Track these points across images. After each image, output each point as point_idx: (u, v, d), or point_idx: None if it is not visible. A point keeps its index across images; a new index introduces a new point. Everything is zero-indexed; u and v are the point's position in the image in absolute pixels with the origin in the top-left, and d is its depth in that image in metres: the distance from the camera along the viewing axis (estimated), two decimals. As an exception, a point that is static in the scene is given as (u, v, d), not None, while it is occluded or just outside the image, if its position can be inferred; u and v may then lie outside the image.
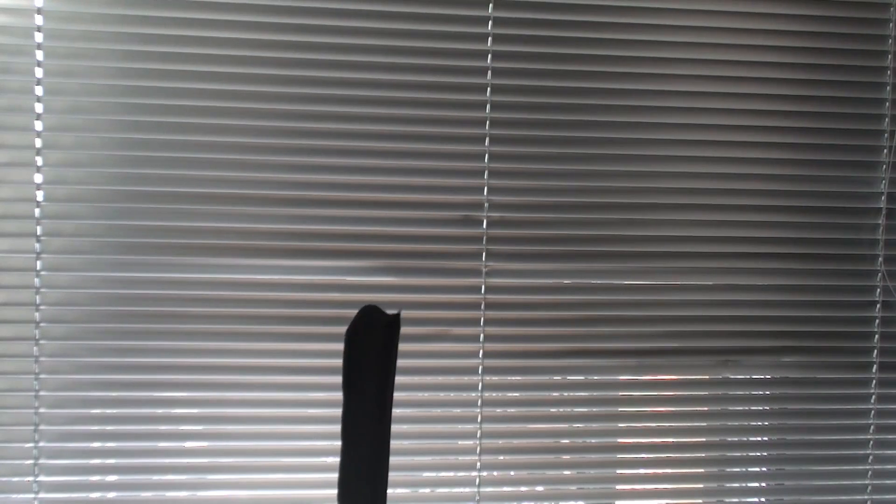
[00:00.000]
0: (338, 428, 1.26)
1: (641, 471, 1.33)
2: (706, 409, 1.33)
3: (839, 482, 1.36)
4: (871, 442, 1.35)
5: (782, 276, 1.33)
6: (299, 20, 1.22)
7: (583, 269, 1.30)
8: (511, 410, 1.30)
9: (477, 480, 1.30)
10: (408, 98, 1.25)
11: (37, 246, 1.21)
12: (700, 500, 1.34)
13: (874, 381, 1.35)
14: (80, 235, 1.21)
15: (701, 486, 1.34)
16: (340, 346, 1.26)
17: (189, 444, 1.25)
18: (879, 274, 1.34)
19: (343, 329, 1.25)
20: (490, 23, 1.26)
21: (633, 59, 1.28)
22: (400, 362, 1.03)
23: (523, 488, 1.31)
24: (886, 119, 1.32)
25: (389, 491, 0.91)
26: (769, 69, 1.30)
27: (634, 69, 1.28)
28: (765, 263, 1.32)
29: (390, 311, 0.78)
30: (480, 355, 1.29)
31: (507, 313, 1.29)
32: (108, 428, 1.23)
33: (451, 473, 1.30)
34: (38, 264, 1.21)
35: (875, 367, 1.35)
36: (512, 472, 1.31)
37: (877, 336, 1.35)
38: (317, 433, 1.27)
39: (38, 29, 1.19)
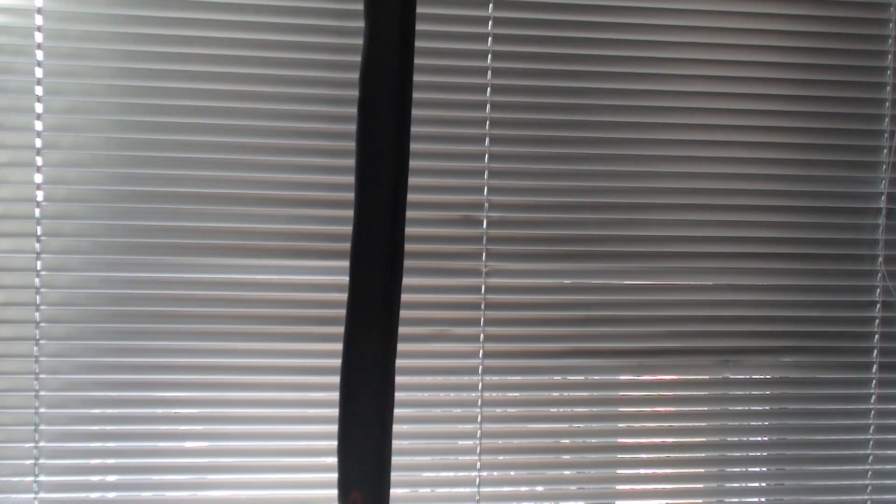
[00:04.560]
0: (336, 429, 1.27)
1: (641, 471, 1.33)
2: (706, 409, 1.33)
3: (839, 482, 1.36)
4: (871, 442, 1.35)
5: (782, 276, 1.33)
6: (299, 20, 1.22)
7: (583, 269, 1.30)
8: (511, 410, 1.30)
9: (477, 480, 1.30)
10: (408, 98, 1.25)
11: (37, 246, 1.21)
12: (700, 500, 1.34)
13: (874, 381, 1.35)
14: (80, 235, 1.21)
15: (701, 486, 1.34)
16: (340, 347, 1.26)
17: (189, 444, 1.25)
18: (879, 274, 1.34)
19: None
20: (490, 23, 1.26)
21: (632, 60, 1.28)
22: (400, 362, 1.03)
23: (523, 488, 1.31)
24: (886, 119, 1.32)
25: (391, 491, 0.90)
26: (769, 69, 1.30)
27: (634, 69, 1.28)
28: (765, 263, 1.32)
29: None
30: (480, 355, 1.29)
31: (507, 313, 1.29)
32: (109, 428, 1.24)
33: (451, 473, 1.30)
34: (38, 264, 1.21)
35: (875, 367, 1.35)
36: (512, 472, 1.31)
37: (877, 336, 1.35)
38: (316, 433, 1.27)
39: (38, 29, 1.19)
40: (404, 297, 1.26)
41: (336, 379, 1.27)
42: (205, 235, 1.23)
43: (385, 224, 0.77)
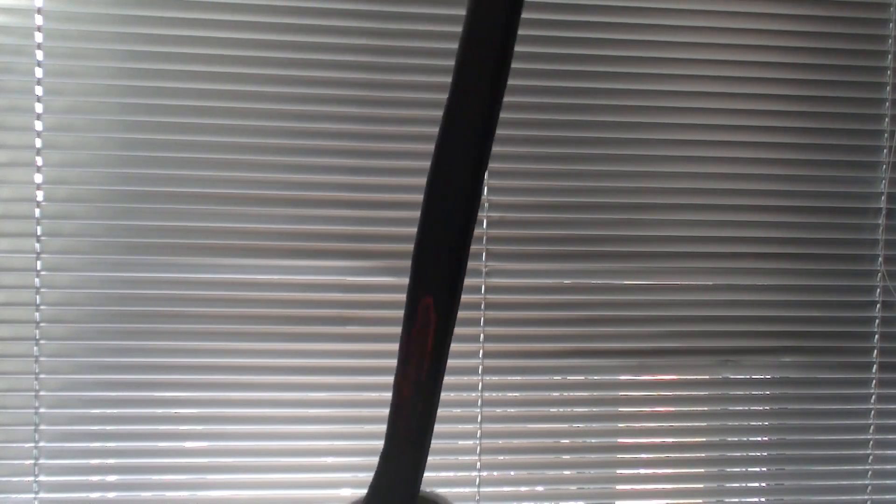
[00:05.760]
0: (337, 428, 1.27)
1: (641, 471, 1.33)
2: (706, 409, 1.33)
3: (839, 482, 1.36)
4: (871, 442, 1.35)
5: (782, 276, 1.33)
6: (299, 20, 1.22)
7: (583, 269, 1.30)
8: (511, 410, 1.30)
9: (477, 480, 1.30)
10: (408, 98, 1.25)
11: (37, 246, 1.21)
12: (700, 500, 1.34)
13: (874, 381, 1.35)
14: (80, 235, 1.21)
15: (701, 486, 1.34)
16: (340, 347, 1.27)
17: (189, 444, 1.25)
18: (879, 274, 1.34)
19: (344, 330, 1.26)
20: (490, 23, 1.25)
21: (633, 60, 1.28)
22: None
23: (523, 488, 1.31)
24: (886, 119, 1.32)
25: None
26: (769, 69, 1.30)
27: (634, 69, 1.28)
28: (765, 263, 1.32)
29: None
30: (480, 355, 1.29)
31: (507, 313, 1.29)
32: (109, 428, 1.23)
33: (451, 473, 1.30)
34: (38, 264, 1.21)
35: (875, 367, 1.34)
36: (512, 472, 1.31)
37: (877, 336, 1.35)
38: (317, 433, 1.27)
39: (38, 29, 1.19)
40: (402, 297, 1.26)
41: (335, 380, 1.27)
42: (205, 235, 1.23)
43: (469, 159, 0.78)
